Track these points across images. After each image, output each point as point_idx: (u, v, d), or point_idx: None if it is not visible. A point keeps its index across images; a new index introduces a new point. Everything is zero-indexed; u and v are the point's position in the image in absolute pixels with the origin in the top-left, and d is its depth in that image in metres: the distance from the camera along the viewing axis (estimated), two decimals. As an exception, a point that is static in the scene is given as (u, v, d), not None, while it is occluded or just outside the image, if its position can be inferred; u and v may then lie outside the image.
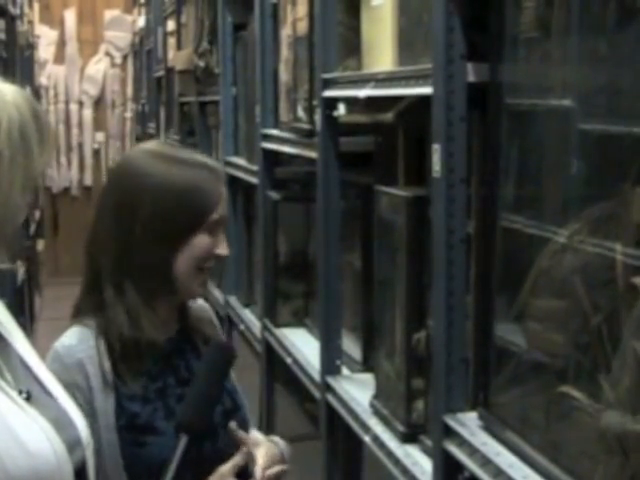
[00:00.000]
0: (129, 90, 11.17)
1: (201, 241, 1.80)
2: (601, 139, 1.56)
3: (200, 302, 1.97)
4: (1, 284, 5.22)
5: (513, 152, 1.85)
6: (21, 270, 6.55)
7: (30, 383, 1.42)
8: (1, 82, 1.42)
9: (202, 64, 4.91)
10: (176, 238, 1.79)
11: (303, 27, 2.98)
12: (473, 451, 1.81)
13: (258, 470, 1.74)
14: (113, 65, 11.25)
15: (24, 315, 7.06)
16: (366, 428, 2.39)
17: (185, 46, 5.81)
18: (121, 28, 11.03)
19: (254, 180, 3.80)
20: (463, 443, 1.85)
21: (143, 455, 1.75)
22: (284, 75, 3.29)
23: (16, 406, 1.35)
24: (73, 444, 1.41)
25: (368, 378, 2.60)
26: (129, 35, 10.88)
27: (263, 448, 1.78)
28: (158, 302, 1.83)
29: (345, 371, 2.79)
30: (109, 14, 11.09)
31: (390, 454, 2.21)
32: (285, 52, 3.25)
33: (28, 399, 1.38)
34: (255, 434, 1.90)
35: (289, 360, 3.19)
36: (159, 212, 1.78)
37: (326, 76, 2.68)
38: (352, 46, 2.65)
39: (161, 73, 7.51)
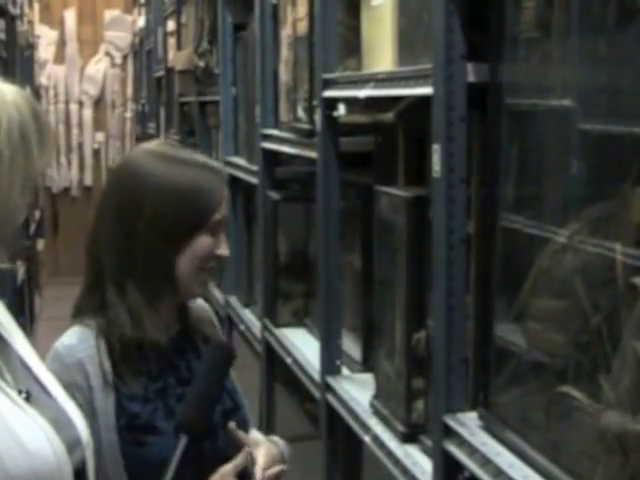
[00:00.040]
0: (129, 90, 11.17)
1: (203, 241, 1.80)
2: (601, 139, 1.56)
3: (200, 302, 1.97)
4: (1, 284, 5.22)
5: (513, 152, 1.85)
6: (21, 270, 6.55)
7: (30, 383, 1.42)
8: (1, 82, 1.42)
9: (202, 64, 4.91)
10: (179, 238, 1.79)
11: (303, 27, 2.98)
12: (473, 451, 1.81)
13: (258, 470, 1.74)
14: (113, 65, 11.25)
15: (24, 315, 7.07)
16: (366, 428, 2.39)
17: (185, 46, 5.81)
18: (121, 28, 11.03)
19: (254, 180, 3.80)
20: (463, 443, 1.85)
21: (143, 455, 1.75)
22: (284, 75, 3.29)
23: (16, 406, 1.35)
24: (73, 444, 1.41)
25: (368, 378, 2.60)
26: (129, 35, 10.88)
27: (263, 448, 1.79)
28: (160, 302, 1.83)
29: (345, 371, 2.79)
30: (109, 14, 11.09)
31: (390, 454, 2.21)
32: (285, 52, 3.25)
33: (28, 399, 1.38)
34: (255, 434, 1.91)
35: (289, 360, 3.19)
36: (162, 213, 1.78)
37: (326, 76, 2.68)
38: (352, 46, 2.65)
39: (161, 73, 7.51)
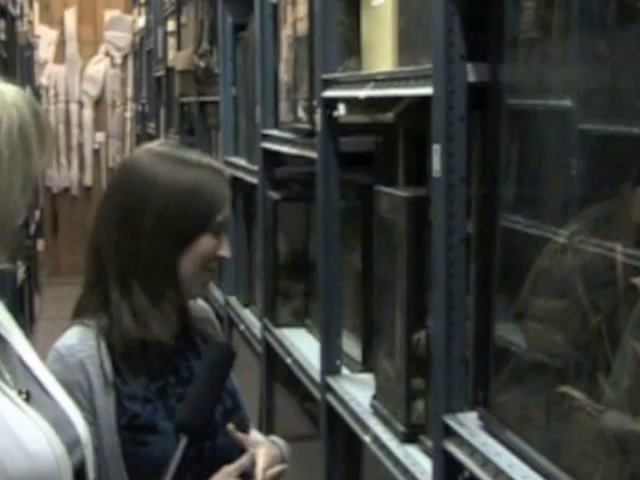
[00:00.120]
0: (129, 90, 11.17)
1: (206, 242, 1.81)
2: (601, 139, 1.56)
3: (200, 302, 1.97)
4: (1, 284, 5.22)
5: (513, 152, 1.85)
6: (21, 270, 6.55)
7: (29, 383, 1.42)
8: (1, 82, 1.42)
9: (202, 64, 4.91)
10: (183, 239, 1.79)
11: (303, 27, 2.98)
12: (473, 451, 1.81)
13: (258, 470, 1.74)
14: (113, 65, 11.25)
15: (24, 315, 7.07)
16: (366, 428, 2.39)
17: (185, 46, 5.81)
18: (121, 28, 11.04)
19: (254, 180, 3.80)
20: (463, 443, 1.85)
21: (144, 454, 1.75)
22: (284, 75, 3.29)
23: (15, 407, 1.35)
24: (72, 444, 1.41)
25: (368, 378, 2.60)
26: (129, 35, 10.88)
27: (263, 448, 1.78)
28: (163, 302, 1.83)
29: (345, 371, 2.79)
30: (109, 14, 11.10)
31: (390, 454, 2.21)
32: (285, 52, 3.25)
33: (27, 399, 1.38)
34: (255, 434, 1.91)
35: (289, 360, 3.19)
36: (166, 213, 1.78)
37: (326, 76, 2.68)
38: (352, 46, 2.65)
39: (161, 73, 7.51)
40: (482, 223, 1.93)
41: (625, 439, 1.41)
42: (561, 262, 1.63)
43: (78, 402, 1.61)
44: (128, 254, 1.79)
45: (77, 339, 1.79)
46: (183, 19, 6.03)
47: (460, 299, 1.93)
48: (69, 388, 1.59)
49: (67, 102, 11.08)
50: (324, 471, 2.84)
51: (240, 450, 1.77)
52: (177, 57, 6.05)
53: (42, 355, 1.58)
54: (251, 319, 4.01)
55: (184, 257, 1.80)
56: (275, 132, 3.46)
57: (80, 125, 11.10)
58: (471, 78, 1.90)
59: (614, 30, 1.48)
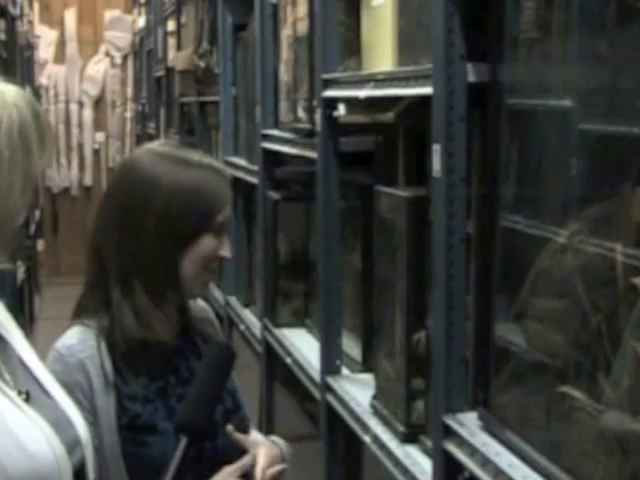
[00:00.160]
0: (129, 90, 11.17)
1: (207, 242, 1.81)
2: (601, 139, 1.56)
3: (200, 302, 1.97)
4: (1, 284, 5.22)
5: (513, 152, 1.85)
6: (21, 270, 6.55)
7: (29, 384, 1.42)
8: (1, 82, 1.42)
9: (202, 64, 4.91)
10: (184, 239, 1.79)
11: (303, 27, 2.98)
12: (473, 451, 1.81)
13: (258, 470, 1.74)
14: (113, 65, 11.25)
15: (24, 315, 7.07)
16: (366, 428, 2.39)
17: (185, 46, 5.81)
18: (121, 28, 11.04)
19: (254, 180, 3.80)
20: (463, 443, 1.85)
21: (144, 455, 1.75)
22: (284, 75, 3.29)
23: (15, 407, 1.35)
24: (72, 444, 1.41)
25: (368, 378, 2.60)
26: (129, 35, 10.88)
27: (263, 448, 1.78)
28: (164, 302, 1.83)
29: (345, 371, 2.79)
30: (109, 14, 11.10)
31: (390, 454, 2.21)
32: (285, 52, 3.25)
33: (27, 400, 1.38)
34: (255, 434, 1.91)
35: (289, 360, 3.19)
36: (168, 213, 1.78)
37: (326, 76, 2.68)
38: (352, 46, 2.65)
39: (161, 73, 7.51)
40: (482, 223, 1.93)
41: (625, 439, 1.41)
42: (561, 262, 1.63)
43: (78, 402, 1.61)
44: (129, 254, 1.79)
45: (77, 339, 1.79)
46: (183, 19, 6.03)
47: (460, 299, 1.93)
48: (69, 388, 1.59)
49: (67, 102, 11.08)
50: (324, 471, 2.84)
51: (240, 451, 1.77)
52: (177, 57, 6.05)
53: (42, 355, 1.58)
54: (251, 319, 4.01)
55: (185, 257, 1.80)
56: (275, 132, 3.46)
57: (80, 125, 11.10)
58: (471, 78, 1.90)
59: (614, 30, 1.48)
